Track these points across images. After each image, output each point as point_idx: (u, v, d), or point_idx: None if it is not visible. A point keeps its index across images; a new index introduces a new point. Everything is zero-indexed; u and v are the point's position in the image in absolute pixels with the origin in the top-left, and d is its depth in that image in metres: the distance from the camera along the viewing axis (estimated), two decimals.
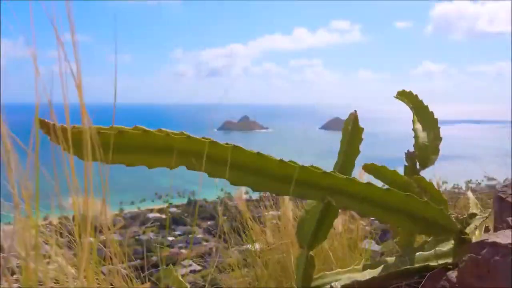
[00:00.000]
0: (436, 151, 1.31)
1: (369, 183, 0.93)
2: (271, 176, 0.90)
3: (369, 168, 1.24)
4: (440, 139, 1.33)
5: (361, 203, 0.95)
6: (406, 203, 0.97)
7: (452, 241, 1.20)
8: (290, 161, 0.90)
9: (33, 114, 0.63)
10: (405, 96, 1.38)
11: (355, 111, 1.18)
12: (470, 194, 1.75)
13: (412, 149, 1.31)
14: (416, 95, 1.37)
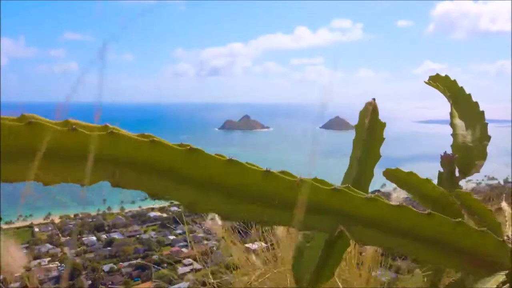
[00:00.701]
0: (483, 154, 0.98)
1: (400, 206, 0.61)
2: (252, 196, 0.55)
3: (392, 175, 0.92)
4: (489, 138, 1.00)
5: (389, 234, 0.63)
6: (455, 233, 0.65)
7: (502, 276, 0.90)
8: (282, 171, 0.57)
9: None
10: (440, 82, 1.03)
11: (374, 99, 0.85)
12: (505, 205, 1.44)
13: (449, 151, 0.99)
14: (454, 81, 1.03)
